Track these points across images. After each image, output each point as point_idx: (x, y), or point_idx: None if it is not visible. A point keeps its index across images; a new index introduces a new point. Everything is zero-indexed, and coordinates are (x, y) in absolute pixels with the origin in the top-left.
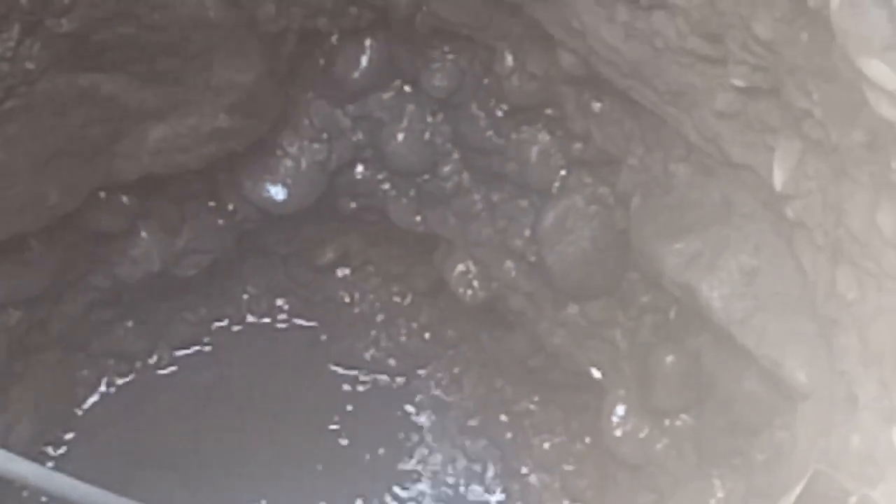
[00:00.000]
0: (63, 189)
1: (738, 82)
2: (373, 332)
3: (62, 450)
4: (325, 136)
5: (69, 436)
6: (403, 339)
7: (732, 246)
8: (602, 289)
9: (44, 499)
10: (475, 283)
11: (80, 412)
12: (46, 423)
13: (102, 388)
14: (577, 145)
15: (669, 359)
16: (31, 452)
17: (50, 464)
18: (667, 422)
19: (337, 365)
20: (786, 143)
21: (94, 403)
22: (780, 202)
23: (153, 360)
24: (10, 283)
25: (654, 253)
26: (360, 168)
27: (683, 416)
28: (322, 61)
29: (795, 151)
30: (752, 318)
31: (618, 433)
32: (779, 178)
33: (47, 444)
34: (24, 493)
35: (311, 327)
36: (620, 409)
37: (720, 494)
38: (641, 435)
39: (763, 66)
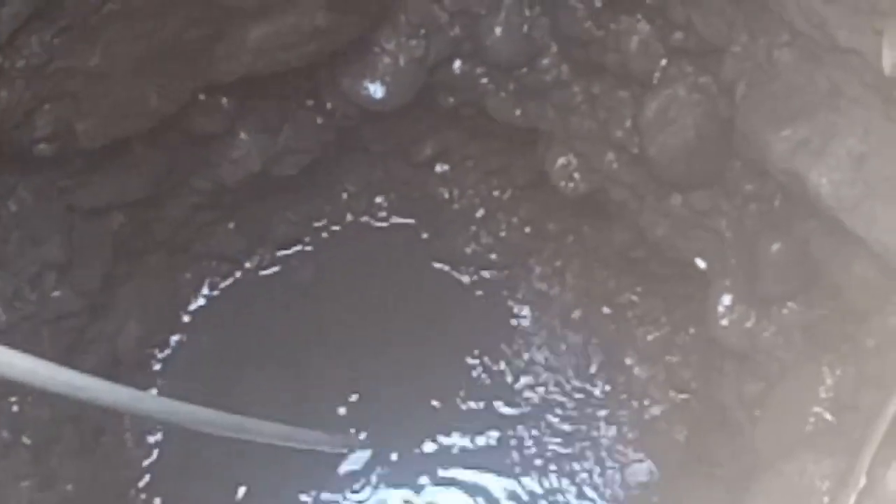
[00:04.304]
0: (164, 92)
1: None
2: (473, 228)
3: (168, 351)
4: (422, 31)
5: (175, 338)
6: (504, 233)
7: (840, 131)
8: (705, 178)
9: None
10: (576, 176)
11: (184, 314)
12: (152, 325)
13: (206, 290)
14: (678, 34)
15: (776, 246)
16: (139, 355)
17: (157, 366)
18: (774, 310)
19: (437, 261)
20: (895, 26)
21: (199, 305)
22: (889, 86)
23: (255, 260)
24: (114, 187)
25: (761, 140)
26: (458, 63)
27: (790, 303)
28: None
29: None
30: (861, 204)
31: (724, 322)
32: (887, 62)
33: (154, 347)
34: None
35: (410, 224)
36: (726, 299)
37: (829, 381)
38: (748, 324)
39: None
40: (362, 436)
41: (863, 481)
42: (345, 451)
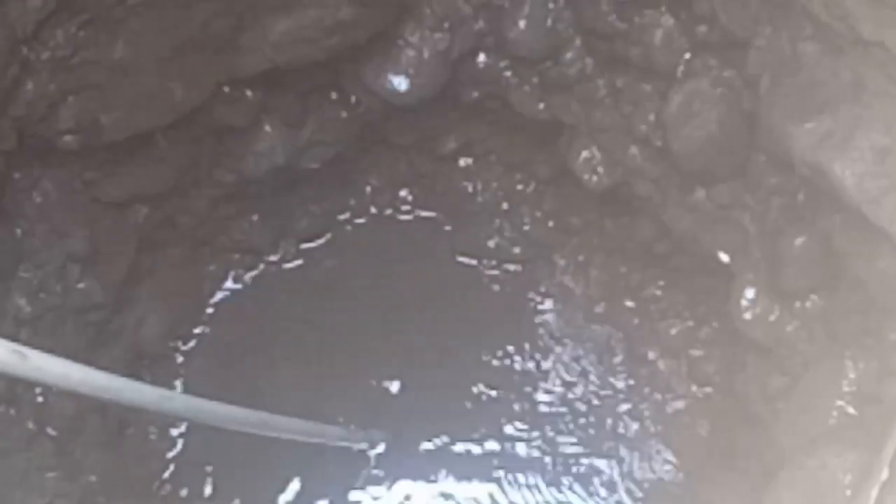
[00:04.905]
0: (188, 84)
1: None
2: (496, 221)
3: (192, 343)
4: (446, 25)
5: (198, 330)
6: (527, 227)
7: (864, 125)
8: (729, 172)
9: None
10: (600, 170)
11: (208, 306)
12: (176, 317)
13: (230, 283)
14: (702, 28)
15: (799, 240)
16: (162, 347)
17: (180, 358)
18: (797, 303)
19: (461, 254)
20: None
21: (222, 297)
22: None
23: (279, 253)
24: (138, 179)
25: (784, 133)
26: (482, 56)
27: (814, 297)
28: None
29: None
30: (885, 197)
31: (747, 316)
32: None
33: (177, 339)
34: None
35: (434, 217)
36: (750, 293)
37: (852, 375)
38: (771, 318)
39: None
40: (384, 430)
41: (885, 474)
42: (366, 447)
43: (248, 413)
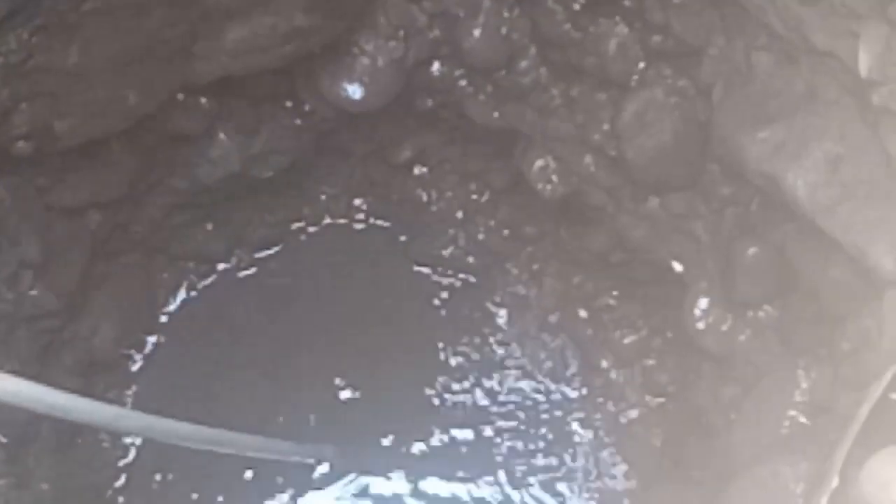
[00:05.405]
0: (142, 91)
1: None
2: (451, 231)
3: (145, 352)
4: (401, 33)
5: (152, 338)
6: (482, 236)
7: (817, 134)
8: (683, 181)
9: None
10: (554, 178)
11: (162, 314)
12: (129, 325)
13: (183, 291)
14: (656, 37)
15: (752, 250)
16: (116, 355)
17: (134, 367)
18: (750, 313)
19: (416, 263)
20: (872, 29)
21: (176, 306)
22: (866, 89)
23: (233, 262)
24: (91, 186)
25: (738, 143)
26: (436, 65)
27: (767, 307)
28: None
29: (881, 37)
30: (837, 207)
31: (700, 326)
32: (864, 65)
33: (131, 347)
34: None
35: (388, 226)
36: (703, 302)
37: (805, 384)
38: (724, 327)
39: None
40: (336, 443)
41: (836, 482)
42: (318, 462)
43: (200, 430)
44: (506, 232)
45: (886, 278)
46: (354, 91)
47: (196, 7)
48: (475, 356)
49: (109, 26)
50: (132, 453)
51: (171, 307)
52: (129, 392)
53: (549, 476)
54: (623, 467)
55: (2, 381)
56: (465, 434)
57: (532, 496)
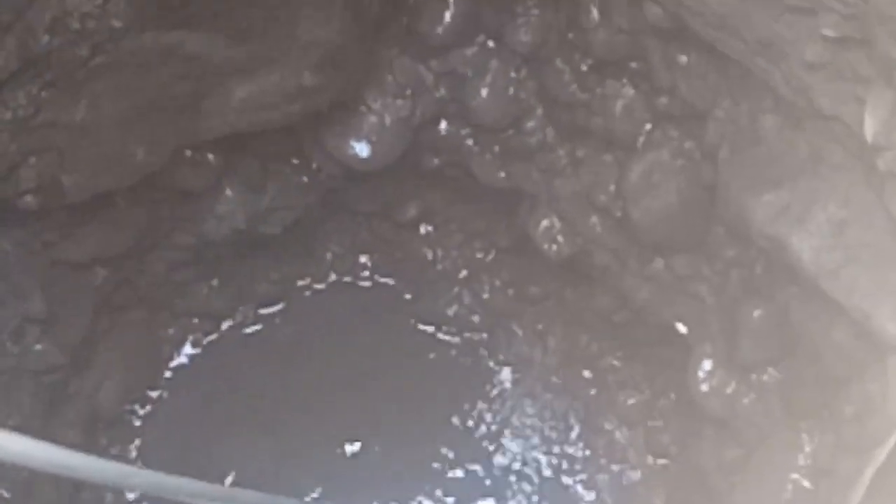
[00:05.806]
0: (149, 147)
1: (829, 32)
2: (456, 289)
3: (149, 408)
4: (408, 92)
5: (155, 394)
6: (486, 295)
7: (822, 198)
8: (688, 243)
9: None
10: (560, 239)
11: (166, 370)
12: (133, 381)
13: (188, 347)
14: (663, 99)
15: (756, 313)
16: (119, 410)
17: (137, 422)
18: (753, 376)
19: (420, 322)
20: (877, 94)
21: (181, 362)
22: (871, 154)
23: (238, 318)
24: (97, 242)
25: (743, 206)
26: (443, 124)
27: (770, 369)
28: (406, 17)
29: (887, 102)
30: (842, 270)
31: (704, 388)
32: (870, 130)
33: (134, 402)
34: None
35: (393, 285)
36: (707, 364)
37: (808, 448)
38: (728, 390)
39: (854, 14)
40: (338, 500)
41: None
42: None
43: (204, 486)
44: (510, 291)
45: (890, 342)
46: (361, 149)
47: (203, 64)
48: (479, 415)
49: (117, 83)
50: None
51: (176, 363)
52: (133, 446)
53: None
54: None
55: (5, 440)
56: (469, 494)
57: None
